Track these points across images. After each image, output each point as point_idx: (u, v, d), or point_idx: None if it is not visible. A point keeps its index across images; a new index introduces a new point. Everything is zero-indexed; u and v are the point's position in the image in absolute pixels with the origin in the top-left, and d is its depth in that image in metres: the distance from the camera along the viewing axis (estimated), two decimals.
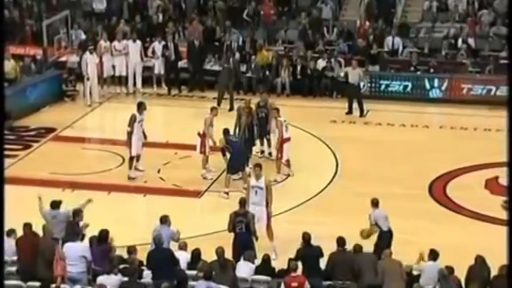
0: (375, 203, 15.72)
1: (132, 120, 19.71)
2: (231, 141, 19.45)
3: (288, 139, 19.76)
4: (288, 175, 19.94)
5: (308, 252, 14.54)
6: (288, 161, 19.88)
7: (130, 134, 19.72)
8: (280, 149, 19.78)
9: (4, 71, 18.61)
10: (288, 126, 19.93)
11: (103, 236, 14.66)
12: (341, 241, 14.56)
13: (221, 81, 25.37)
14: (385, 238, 15.25)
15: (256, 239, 15.70)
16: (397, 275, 13.90)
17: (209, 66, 26.75)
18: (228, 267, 14.26)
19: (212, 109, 20.45)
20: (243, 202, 16.14)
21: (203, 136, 19.87)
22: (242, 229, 15.67)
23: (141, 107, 19.97)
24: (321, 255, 14.53)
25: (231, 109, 24.39)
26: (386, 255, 14.29)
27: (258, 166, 17.25)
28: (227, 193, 18.92)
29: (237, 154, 19.27)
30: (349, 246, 14.61)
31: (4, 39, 20.57)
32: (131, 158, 19.80)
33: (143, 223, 15.53)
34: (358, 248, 14.50)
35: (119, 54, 26.27)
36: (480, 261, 14.18)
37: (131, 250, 14.62)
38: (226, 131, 19.59)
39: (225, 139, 19.48)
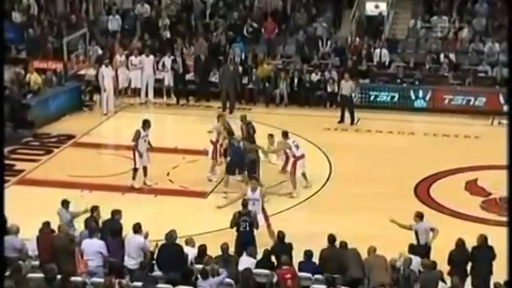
0: (419, 216, 15.24)
1: (136, 135, 19.44)
2: (232, 144, 19.38)
3: (302, 157, 19.34)
4: (306, 187, 19.53)
5: (280, 248, 14.54)
6: (304, 174, 19.50)
7: (134, 148, 19.52)
8: (293, 166, 19.27)
9: (4, 72, 18.48)
10: (298, 145, 19.55)
11: (117, 230, 14.66)
12: (331, 238, 14.54)
13: (223, 86, 25.44)
14: (418, 251, 14.64)
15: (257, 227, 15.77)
16: (382, 268, 13.88)
17: (213, 79, 26.74)
18: (231, 262, 14.27)
19: (219, 117, 20.44)
20: (245, 204, 16.16)
21: (215, 143, 19.86)
22: (246, 228, 15.69)
23: (146, 124, 19.60)
24: (291, 250, 14.50)
25: (231, 111, 24.55)
26: (370, 251, 14.25)
27: (254, 179, 17.23)
28: (225, 192, 18.83)
29: (236, 157, 19.19)
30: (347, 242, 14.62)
31: (5, 45, 20.37)
32: (135, 170, 19.54)
33: (154, 221, 15.51)
34: (344, 244, 14.45)
35: (134, 68, 26.28)
36: (460, 243, 14.28)
37: None
38: (230, 133, 19.59)
39: (228, 141, 19.46)
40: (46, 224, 15.00)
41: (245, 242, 15.37)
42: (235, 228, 15.79)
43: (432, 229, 15.14)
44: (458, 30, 27.96)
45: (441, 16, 28.41)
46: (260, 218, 16.47)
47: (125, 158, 21.12)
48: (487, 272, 14.22)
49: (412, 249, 14.60)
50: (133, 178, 19.56)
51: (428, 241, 15.03)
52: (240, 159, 19.13)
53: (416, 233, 15.07)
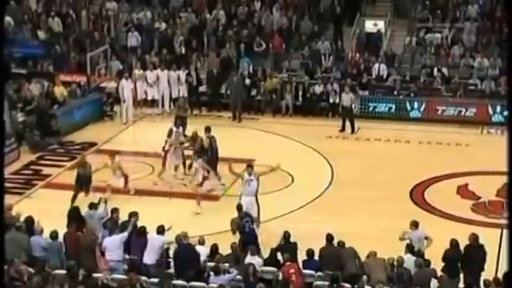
0: (414, 225, 15.05)
1: (170, 133, 19.94)
2: (212, 146, 19.61)
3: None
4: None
5: (286, 247, 14.51)
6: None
7: (165, 149, 19.81)
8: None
9: (4, 70, 18.60)
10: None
11: (142, 231, 14.68)
12: (329, 237, 14.53)
13: (230, 97, 25.46)
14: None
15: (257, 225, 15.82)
16: (380, 267, 13.85)
17: (224, 91, 26.77)
18: (241, 260, 14.25)
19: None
20: (240, 207, 16.14)
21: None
22: (250, 227, 15.66)
23: (177, 122, 20.39)
24: (296, 249, 14.50)
25: (239, 121, 24.59)
26: (371, 254, 14.21)
27: (250, 166, 17.39)
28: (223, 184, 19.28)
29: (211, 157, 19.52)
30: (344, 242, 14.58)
31: (3, 45, 20.37)
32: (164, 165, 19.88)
33: (169, 222, 15.47)
34: (341, 244, 14.46)
35: (152, 81, 26.32)
36: (454, 243, 14.23)
37: None
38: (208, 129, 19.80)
39: (209, 141, 19.62)
40: (71, 225, 15.04)
41: (251, 242, 15.33)
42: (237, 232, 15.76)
43: (426, 238, 14.97)
44: (450, 46, 27.89)
45: (434, 34, 28.35)
46: (253, 202, 16.87)
47: (143, 163, 21.17)
48: (479, 269, 14.18)
49: (409, 248, 14.52)
50: (159, 175, 19.82)
51: (422, 248, 14.84)
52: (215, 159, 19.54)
53: (411, 240, 14.90)
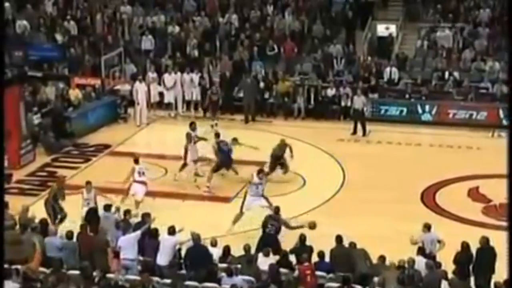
0: (427, 227, 15.04)
1: (189, 138, 20.21)
2: (221, 149, 19.84)
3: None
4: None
5: (301, 250, 14.56)
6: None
7: (186, 148, 20.16)
8: None
9: (4, 69, 18.70)
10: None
11: (154, 233, 14.75)
12: (339, 239, 14.57)
13: (244, 99, 25.53)
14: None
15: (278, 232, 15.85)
16: (390, 268, 13.88)
17: (236, 92, 26.83)
18: (253, 261, 14.27)
19: (234, 139, 20.53)
20: (278, 210, 16.23)
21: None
22: (271, 231, 15.71)
23: (192, 125, 20.51)
24: (311, 252, 14.54)
25: (253, 119, 24.69)
26: (380, 260, 14.24)
27: (261, 171, 17.75)
28: (208, 186, 19.48)
29: (223, 159, 19.77)
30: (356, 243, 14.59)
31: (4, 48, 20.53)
32: (184, 165, 20.15)
33: (183, 224, 15.52)
34: (353, 245, 14.49)
35: (168, 84, 26.40)
36: (465, 246, 14.24)
37: None
38: (217, 135, 20.24)
39: (217, 146, 19.93)
40: (84, 226, 15.12)
41: (269, 244, 15.32)
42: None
43: (439, 241, 14.95)
44: (461, 50, 27.83)
45: (444, 31, 28.23)
46: (261, 200, 16.94)
47: (156, 165, 21.23)
48: (489, 271, 14.16)
49: (421, 251, 14.50)
50: (180, 170, 20.09)
51: (434, 251, 14.82)
52: (228, 160, 19.84)
53: (423, 243, 14.88)
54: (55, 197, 17.02)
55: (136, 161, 19.01)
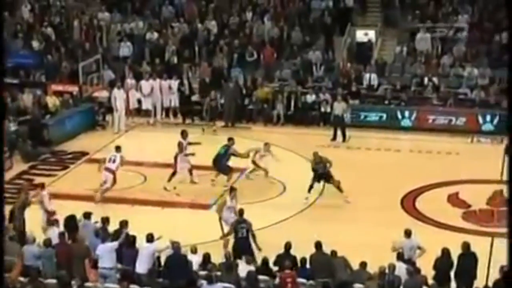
0: (407, 233, 15.09)
1: (181, 147, 20.04)
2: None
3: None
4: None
5: (285, 258, 14.48)
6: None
7: (176, 156, 20.07)
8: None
9: (5, 70, 18.55)
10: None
11: (132, 241, 14.68)
12: (318, 245, 14.58)
13: (224, 104, 25.54)
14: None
15: (257, 247, 15.71)
16: (372, 275, 13.91)
17: (219, 98, 26.77)
18: (233, 269, 14.24)
19: (229, 139, 20.65)
20: (242, 212, 16.15)
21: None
22: (244, 234, 15.69)
23: (183, 134, 20.45)
24: (295, 261, 14.50)
25: (233, 126, 24.68)
26: (361, 265, 14.28)
27: (234, 189, 17.28)
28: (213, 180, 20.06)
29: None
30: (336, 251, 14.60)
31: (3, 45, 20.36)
32: (173, 174, 20.04)
33: (162, 231, 15.46)
34: (333, 253, 14.51)
35: (145, 91, 26.35)
36: (445, 252, 14.29)
37: None
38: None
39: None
40: (63, 235, 15.01)
41: (243, 249, 15.35)
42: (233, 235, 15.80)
43: (419, 248, 14.99)
44: (440, 55, 27.99)
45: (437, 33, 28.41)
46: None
47: (135, 173, 21.13)
48: (471, 277, 14.22)
49: (401, 256, 14.54)
50: (169, 180, 19.99)
51: (413, 257, 14.85)
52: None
53: (403, 249, 14.91)
54: (23, 207, 16.83)
55: (117, 148, 19.79)
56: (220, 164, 20.14)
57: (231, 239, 16.03)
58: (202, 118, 26.35)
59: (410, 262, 14.58)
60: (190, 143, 20.56)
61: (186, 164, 20.10)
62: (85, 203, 18.39)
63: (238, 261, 14.59)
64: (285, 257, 14.50)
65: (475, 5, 28.90)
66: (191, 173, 20.25)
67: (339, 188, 19.19)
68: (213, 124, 25.26)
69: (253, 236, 15.82)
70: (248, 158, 20.45)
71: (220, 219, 16.83)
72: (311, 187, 19.30)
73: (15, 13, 30.71)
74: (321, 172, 19.34)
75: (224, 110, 26.02)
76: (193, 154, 20.13)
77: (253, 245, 15.77)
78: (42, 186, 18.13)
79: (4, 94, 23.07)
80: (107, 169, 19.54)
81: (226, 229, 16.49)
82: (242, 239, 15.64)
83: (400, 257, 14.49)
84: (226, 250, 15.49)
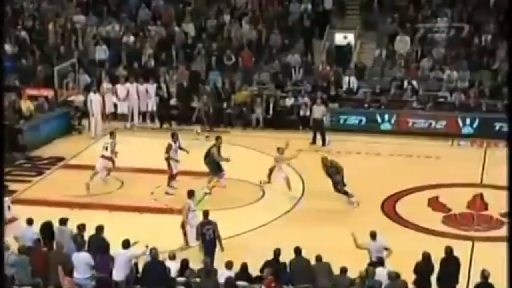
0: (372, 235, 15.23)
1: (169, 148, 20.10)
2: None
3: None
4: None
5: (274, 266, 14.47)
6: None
7: (168, 159, 20.11)
8: None
9: (4, 76, 18.57)
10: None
11: (105, 248, 14.62)
12: (298, 250, 14.61)
13: (200, 108, 25.66)
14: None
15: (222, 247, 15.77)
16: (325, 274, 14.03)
17: (195, 104, 26.80)
18: (212, 274, 14.23)
19: (217, 138, 20.67)
20: (207, 214, 16.17)
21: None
22: (211, 236, 15.73)
23: (174, 136, 20.48)
24: (285, 268, 14.50)
25: (210, 131, 24.69)
26: (317, 259, 14.39)
27: (193, 192, 17.26)
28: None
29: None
30: (313, 254, 14.59)
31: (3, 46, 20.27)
32: (171, 177, 20.10)
33: (139, 238, 15.43)
34: (318, 258, 14.52)
35: (121, 95, 26.28)
36: (426, 256, 14.35)
37: None
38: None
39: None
40: (38, 242, 14.93)
41: (211, 251, 15.42)
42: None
43: (386, 249, 15.12)
44: (419, 59, 28.17)
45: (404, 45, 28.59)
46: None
47: (112, 178, 21.06)
48: (453, 281, 14.32)
49: (380, 260, 14.61)
50: (168, 184, 20.07)
51: (383, 257, 14.94)
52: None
53: (370, 251, 15.06)
54: None
55: (111, 134, 20.76)
56: (213, 163, 20.11)
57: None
58: (180, 123, 26.34)
59: (378, 264, 14.71)
60: (181, 148, 20.51)
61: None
62: (61, 209, 18.28)
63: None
64: (273, 264, 14.47)
65: (454, 8, 29.12)
66: (173, 179, 20.21)
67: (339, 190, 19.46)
68: (210, 129, 25.09)
69: (219, 237, 15.87)
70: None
71: (184, 223, 16.78)
72: (346, 192, 19.42)
73: None
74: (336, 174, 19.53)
75: (201, 114, 25.99)
76: (177, 161, 20.16)
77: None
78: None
79: None
80: (104, 157, 20.47)
81: (190, 233, 16.52)
82: (210, 242, 15.69)
83: (379, 261, 14.53)
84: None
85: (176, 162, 20.09)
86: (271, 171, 20.11)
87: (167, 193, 20.10)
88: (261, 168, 20.84)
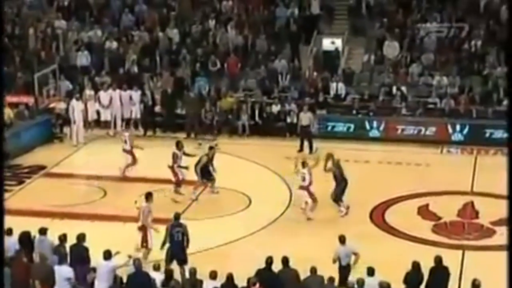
0: (341, 240, 15.33)
1: (175, 157, 20.29)
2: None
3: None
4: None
5: (266, 275, 14.42)
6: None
7: (173, 167, 20.31)
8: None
9: (4, 77, 18.55)
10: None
11: (84, 258, 14.56)
12: (285, 260, 14.56)
13: (186, 114, 25.53)
14: (342, 272, 15.03)
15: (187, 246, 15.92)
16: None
17: (179, 111, 26.76)
18: (197, 285, 14.18)
19: (210, 148, 20.86)
20: (178, 216, 16.18)
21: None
22: (179, 238, 15.80)
23: (179, 145, 20.66)
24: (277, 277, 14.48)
25: (196, 138, 24.75)
26: (312, 271, 14.37)
27: (151, 195, 17.22)
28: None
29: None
30: (303, 264, 14.56)
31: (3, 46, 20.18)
32: (178, 185, 20.33)
33: (122, 248, 15.35)
34: (313, 270, 14.46)
35: (104, 102, 26.22)
36: (416, 265, 14.36)
37: None
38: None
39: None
40: (20, 253, 14.82)
41: (177, 252, 15.55)
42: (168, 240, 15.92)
43: (354, 253, 15.22)
44: (408, 64, 28.25)
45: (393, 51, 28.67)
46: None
47: (94, 187, 20.99)
48: None
49: (370, 270, 14.59)
50: (176, 191, 20.29)
51: (350, 263, 15.12)
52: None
53: (339, 257, 15.15)
54: None
55: (127, 125, 22.70)
56: (204, 172, 20.19)
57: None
58: (164, 130, 26.30)
59: (347, 268, 14.91)
60: (187, 154, 20.70)
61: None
62: (42, 219, 18.17)
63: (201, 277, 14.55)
64: (265, 273, 14.41)
65: (444, 12, 29.24)
66: (179, 186, 20.37)
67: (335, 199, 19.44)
68: (214, 138, 25.13)
69: (187, 240, 15.88)
70: None
71: (144, 227, 16.72)
72: (340, 202, 19.54)
73: None
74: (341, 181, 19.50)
75: (186, 122, 25.99)
76: (186, 168, 20.27)
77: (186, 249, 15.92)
78: None
79: None
80: (124, 150, 21.59)
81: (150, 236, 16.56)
82: (177, 243, 15.74)
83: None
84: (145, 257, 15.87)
85: (183, 169, 20.32)
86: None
87: (174, 200, 20.09)
88: (247, 176, 20.83)
